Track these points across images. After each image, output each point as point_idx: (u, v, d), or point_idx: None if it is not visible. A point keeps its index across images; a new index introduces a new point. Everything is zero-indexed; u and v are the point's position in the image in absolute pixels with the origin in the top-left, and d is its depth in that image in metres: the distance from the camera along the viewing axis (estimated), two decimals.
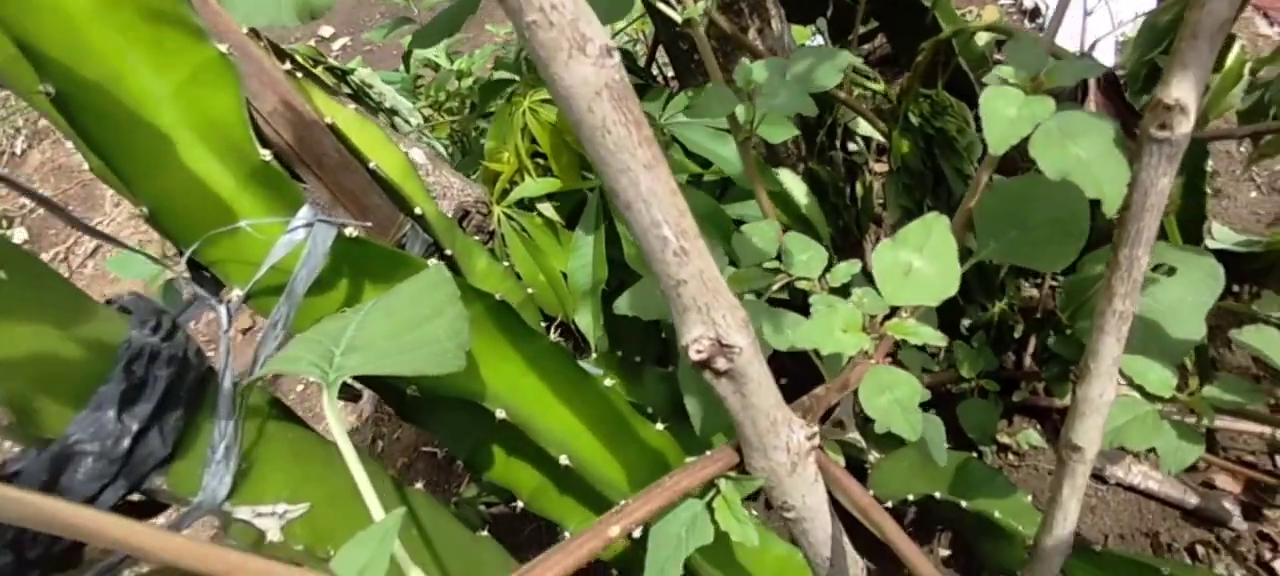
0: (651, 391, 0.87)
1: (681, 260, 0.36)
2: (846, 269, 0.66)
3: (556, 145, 0.81)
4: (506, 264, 0.77)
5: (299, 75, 0.56)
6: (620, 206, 0.35)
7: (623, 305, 0.71)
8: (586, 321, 0.85)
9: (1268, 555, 1.01)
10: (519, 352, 0.59)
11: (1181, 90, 0.42)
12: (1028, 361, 1.08)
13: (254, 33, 0.52)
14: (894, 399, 0.47)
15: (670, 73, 1.25)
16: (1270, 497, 1.04)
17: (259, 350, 0.46)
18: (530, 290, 0.80)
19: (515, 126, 0.82)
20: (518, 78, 0.90)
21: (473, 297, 0.55)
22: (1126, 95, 0.92)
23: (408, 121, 1.38)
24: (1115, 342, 0.49)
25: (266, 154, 0.46)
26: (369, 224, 0.55)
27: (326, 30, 3.56)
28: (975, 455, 0.93)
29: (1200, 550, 1.02)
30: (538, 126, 0.80)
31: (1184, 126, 0.43)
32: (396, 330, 0.40)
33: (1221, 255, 1.21)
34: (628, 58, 1.21)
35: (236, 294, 0.47)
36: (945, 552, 1.07)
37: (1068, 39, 1.62)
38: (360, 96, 1.29)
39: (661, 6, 0.75)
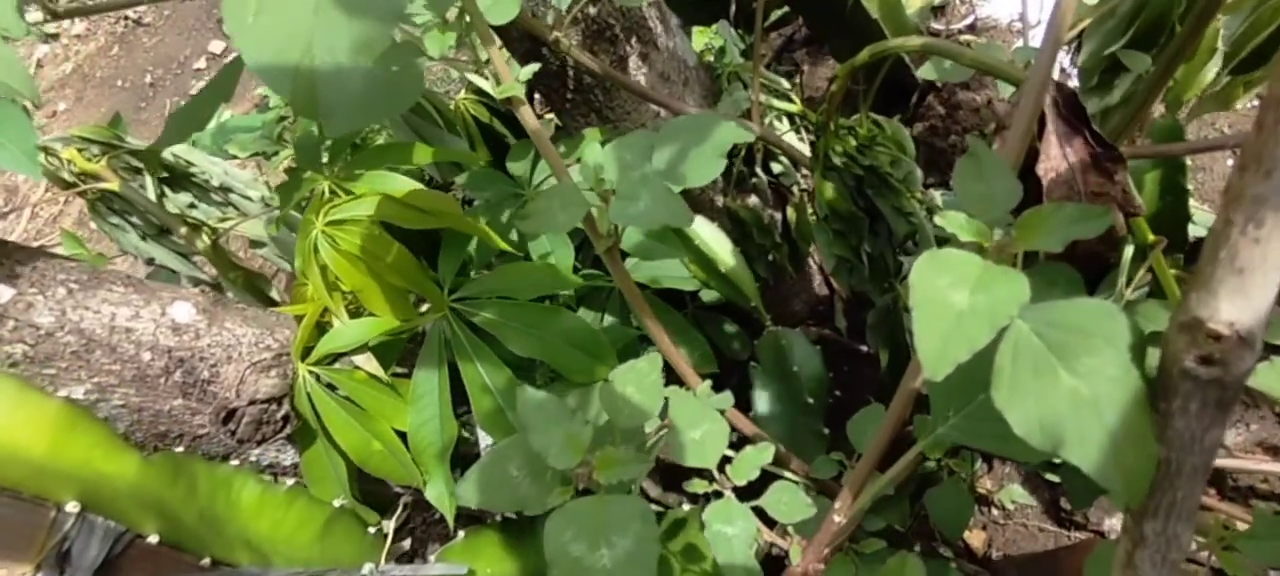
0: (539, 557, 0.68)
1: None
2: (755, 457, 0.47)
3: (367, 279, 0.61)
4: (284, 487, 0.56)
5: None
6: None
7: (468, 494, 0.52)
8: (439, 492, 0.65)
9: None
10: None
11: (1237, 310, 0.24)
12: None
13: None
14: None
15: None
16: None
17: None
18: (340, 503, 0.60)
19: (308, 255, 0.61)
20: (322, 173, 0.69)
21: None
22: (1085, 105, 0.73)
23: (248, 196, 1.15)
24: None
25: None
26: None
27: (218, 45, 3.26)
28: (949, 563, 0.76)
29: None
30: (336, 258, 0.60)
31: (1244, 364, 0.25)
32: None
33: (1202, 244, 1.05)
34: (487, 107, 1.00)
35: None
36: None
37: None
38: (175, 181, 1.06)
39: (477, 81, 0.54)
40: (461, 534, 0.65)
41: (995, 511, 1.00)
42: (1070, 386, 0.27)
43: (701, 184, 0.47)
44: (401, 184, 0.65)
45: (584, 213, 0.48)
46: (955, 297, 0.29)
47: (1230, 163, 1.06)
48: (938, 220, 0.31)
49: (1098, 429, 0.26)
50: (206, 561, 0.47)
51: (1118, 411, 0.26)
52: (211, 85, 0.67)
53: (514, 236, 0.77)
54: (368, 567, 0.57)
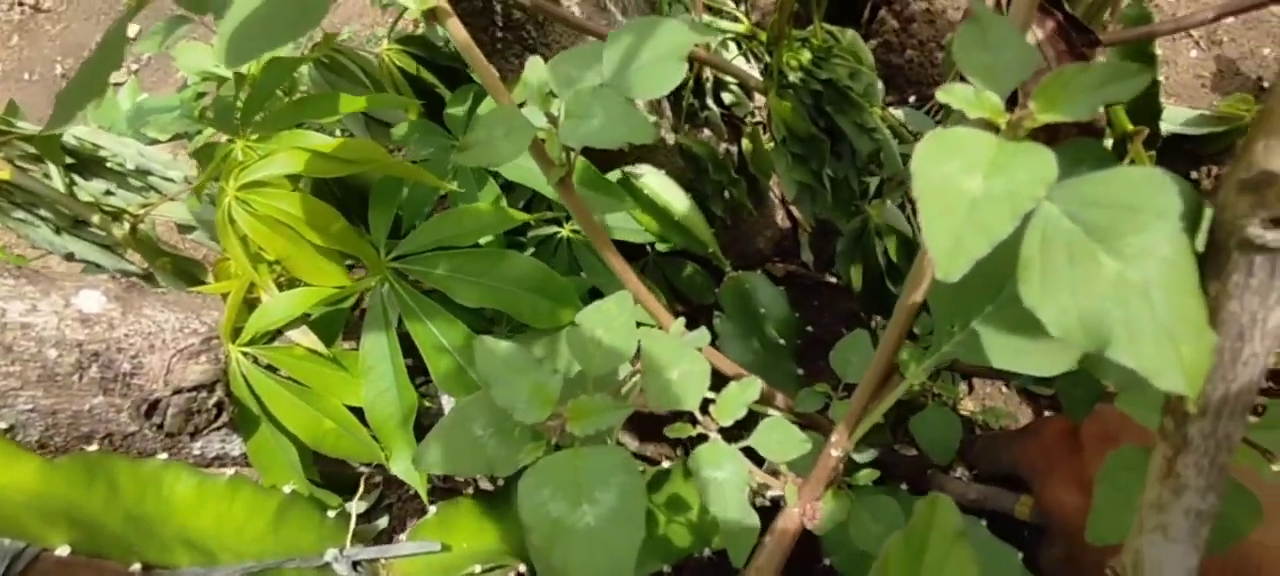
0: (519, 525, 0.64)
1: None
2: (740, 393, 0.43)
3: (292, 244, 0.54)
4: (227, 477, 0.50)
5: None
6: None
7: (430, 460, 0.47)
8: (406, 466, 0.60)
9: None
10: None
11: None
12: None
13: None
14: None
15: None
16: None
17: None
18: (289, 489, 0.54)
19: (225, 225, 0.55)
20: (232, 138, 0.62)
21: None
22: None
23: (168, 178, 1.06)
24: (1192, 550, 0.28)
25: None
26: None
27: (132, 29, 3.06)
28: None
29: None
30: (255, 224, 0.53)
31: None
32: None
33: (1175, 140, 1.03)
34: (425, 46, 0.93)
35: None
36: None
37: None
38: (84, 167, 0.97)
39: None
40: (434, 508, 0.61)
41: (978, 432, 0.99)
42: (1115, 272, 0.23)
43: (660, 93, 0.42)
44: (319, 139, 0.59)
45: (531, 138, 0.43)
46: (968, 183, 0.25)
47: (1194, 54, 1.04)
48: (945, 90, 0.27)
49: (1150, 319, 0.22)
50: (136, 567, 0.42)
51: (1171, 296, 0.22)
52: (98, 53, 0.59)
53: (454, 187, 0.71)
54: (331, 553, 0.52)
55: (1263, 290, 0.22)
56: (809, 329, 1.11)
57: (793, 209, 1.17)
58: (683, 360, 0.43)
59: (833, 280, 1.14)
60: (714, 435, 0.42)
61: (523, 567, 0.60)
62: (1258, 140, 0.21)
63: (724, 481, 0.40)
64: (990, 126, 0.27)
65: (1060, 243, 0.24)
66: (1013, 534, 0.64)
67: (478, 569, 0.59)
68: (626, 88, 0.43)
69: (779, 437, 0.41)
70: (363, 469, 0.73)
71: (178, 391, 0.53)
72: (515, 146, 0.44)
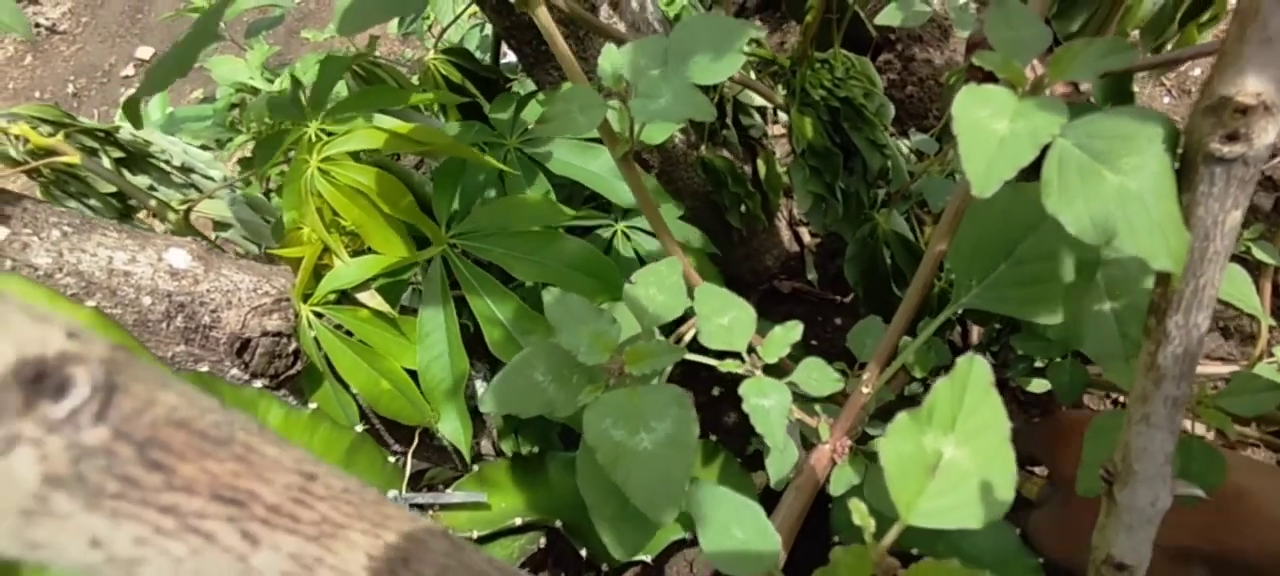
0: (558, 489, 0.69)
1: None
2: (784, 335, 0.49)
3: (366, 214, 0.60)
4: (308, 407, 0.56)
5: None
6: None
7: (488, 403, 0.52)
8: (454, 428, 0.65)
9: None
10: None
11: (1264, 81, 0.27)
12: (975, 337, 0.95)
13: None
14: None
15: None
16: None
17: None
18: (360, 428, 0.59)
19: (304, 194, 0.61)
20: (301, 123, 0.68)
21: None
22: None
23: (209, 177, 1.11)
24: (1169, 436, 0.34)
25: None
26: None
27: (145, 51, 3.13)
28: None
29: None
30: (334, 193, 0.59)
31: (1268, 134, 0.28)
32: None
33: None
34: (466, 57, 1.00)
35: None
36: None
37: None
38: (133, 161, 1.03)
39: None
40: (475, 467, 0.66)
41: None
42: (1116, 183, 0.29)
43: (720, 80, 0.49)
44: (394, 121, 0.65)
45: (603, 114, 0.49)
46: (997, 125, 0.32)
47: (1167, 100, 1.13)
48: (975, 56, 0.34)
49: (1145, 217, 0.29)
50: None
51: (1160, 200, 0.29)
52: (194, 30, 0.65)
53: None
54: (392, 493, 0.57)
55: (1222, 196, 0.29)
56: (813, 342, 1.18)
57: (799, 230, 1.24)
58: (731, 308, 0.49)
59: (836, 298, 1.20)
60: (759, 372, 0.47)
61: (559, 523, 0.65)
62: (1217, 75, 0.28)
63: (770, 408, 0.45)
64: (1011, 87, 0.33)
65: (1073, 165, 0.30)
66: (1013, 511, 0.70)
67: (517, 521, 0.63)
68: (690, 75, 0.50)
69: (817, 375, 0.47)
70: (398, 451, 0.77)
71: (265, 333, 0.58)
72: (590, 120, 0.50)
